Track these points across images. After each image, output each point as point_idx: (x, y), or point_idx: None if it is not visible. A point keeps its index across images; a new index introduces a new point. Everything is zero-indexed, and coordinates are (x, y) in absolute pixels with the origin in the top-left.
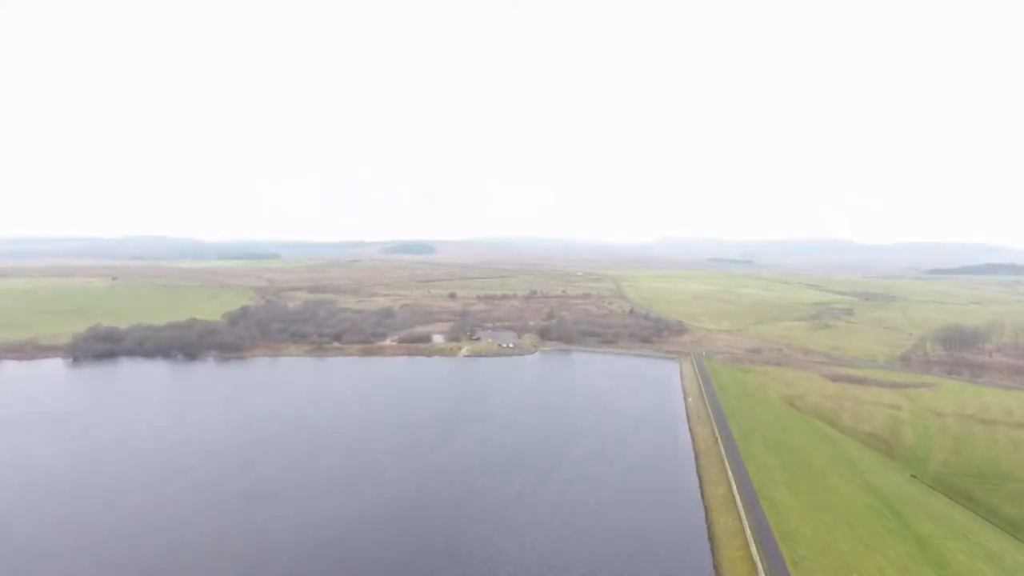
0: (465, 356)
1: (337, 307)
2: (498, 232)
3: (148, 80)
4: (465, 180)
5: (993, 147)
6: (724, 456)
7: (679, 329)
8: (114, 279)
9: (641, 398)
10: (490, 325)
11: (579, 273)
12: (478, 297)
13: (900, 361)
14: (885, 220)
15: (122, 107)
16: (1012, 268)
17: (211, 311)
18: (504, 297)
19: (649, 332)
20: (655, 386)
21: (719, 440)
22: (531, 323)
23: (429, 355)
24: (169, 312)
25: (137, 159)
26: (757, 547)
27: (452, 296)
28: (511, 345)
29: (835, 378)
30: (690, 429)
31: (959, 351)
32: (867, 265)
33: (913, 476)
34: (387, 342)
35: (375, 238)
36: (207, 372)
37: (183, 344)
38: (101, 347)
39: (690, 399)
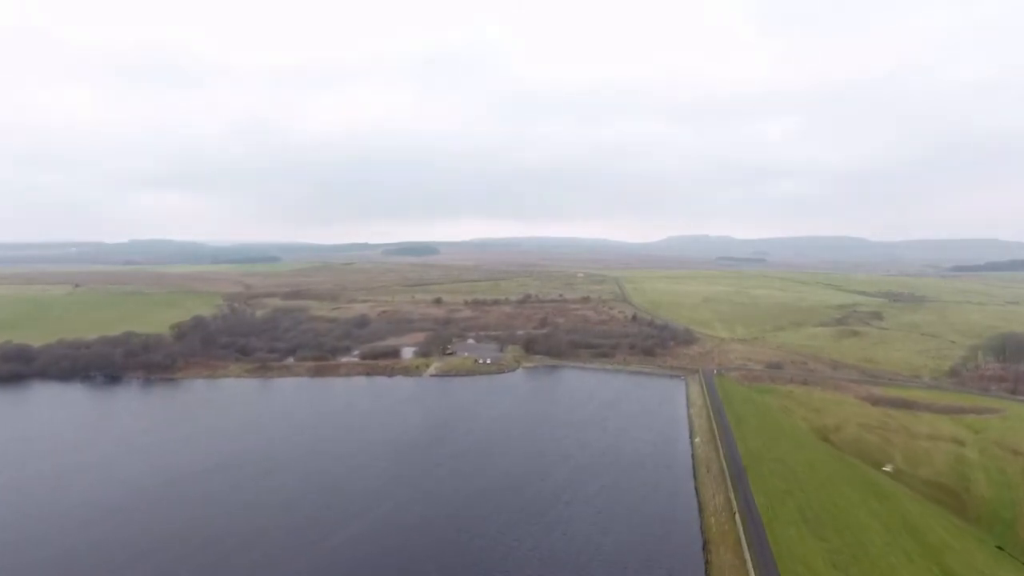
0: (432, 375)
1: (307, 315)
2: (504, 232)
3: (147, 82)
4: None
5: (996, 143)
6: (746, 549)
7: (687, 338)
8: (76, 286)
9: (635, 436)
10: (473, 335)
11: (580, 275)
12: (466, 302)
13: (949, 377)
14: (897, 217)
15: (123, 108)
16: None
17: (164, 321)
18: (495, 302)
19: (653, 343)
20: (655, 418)
21: (737, 514)
22: (520, 332)
23: (391, 374)
24: (119, 322)
25: (145, 162)
26: None
27: (438, 302)
28: (489, 361)
29: (875, 401)
30: (697, 493)
31: (1016, 363)
32: (884, 263)
33: (999, 548)
34: (347, 358)
35: (379, 240)
36: (120, 399)
37: (106, 363)
38: (6, 368)
39: (697, 439)
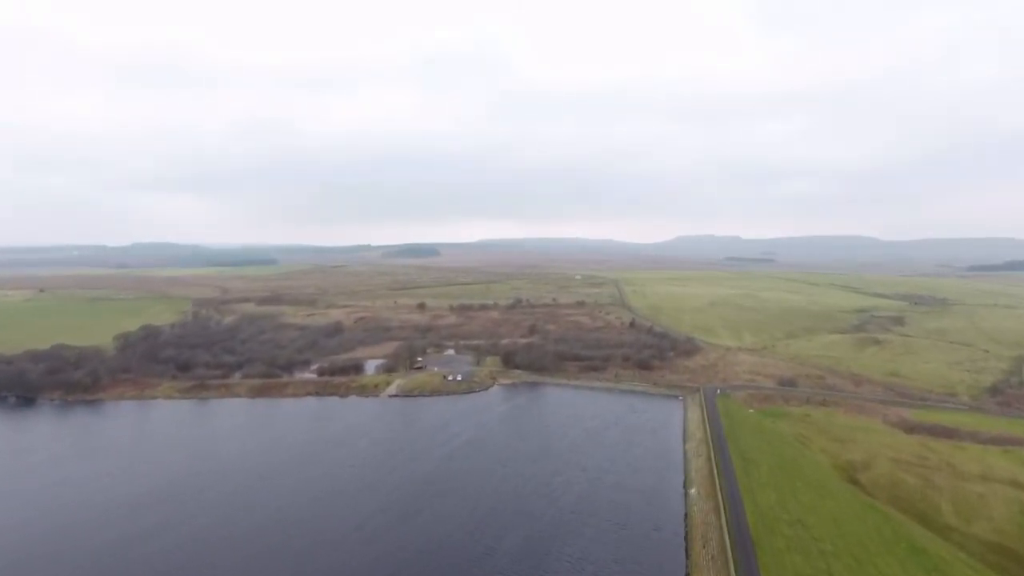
0: (391, 396)
1: (275, 323)
2: (507, 233)
3: (148, 83)
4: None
5: (1006, 141)
6: None
7: (688, 348)
8: (40, 291)
9: (617, 483)
10: (452, 344)
11: (577, 276)
12: (451, 308)
13: (990, 395)
14: (906, 216)
15: (125, 109)
16: None
17: (120, 330)
18: (482, 307)
19: (650, 354)
20: (645, 455)
21: None
22: (505, 341)
23: (344, 394)
24: (68, 332)
25: (151, 167)
26: None
27: (421, 307)
28: (459, 378)
29: (908, 427)
30: None
31: None
32: (896, 262)
33: None
34: (301, 374)
35: (382, 241)
36: (14, 427)
37: (21, 382)
38: None
39: (693, 489)
